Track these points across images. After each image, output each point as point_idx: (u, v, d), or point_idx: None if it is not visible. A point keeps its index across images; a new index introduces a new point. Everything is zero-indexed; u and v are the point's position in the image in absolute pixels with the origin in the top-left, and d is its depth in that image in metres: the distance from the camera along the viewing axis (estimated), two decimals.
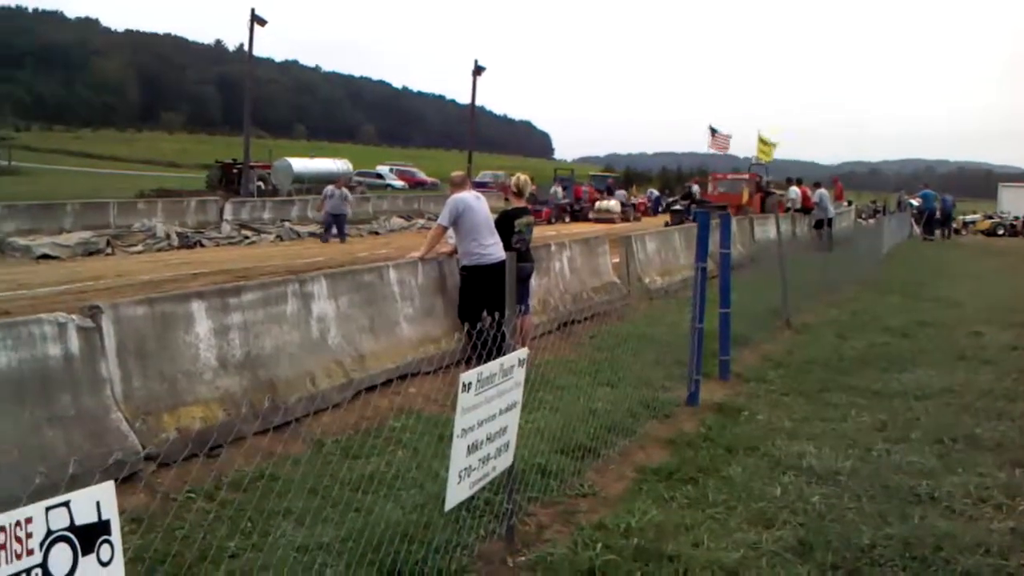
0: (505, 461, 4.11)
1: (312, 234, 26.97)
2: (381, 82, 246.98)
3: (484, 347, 4.48)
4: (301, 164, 43.02)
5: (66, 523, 2.32)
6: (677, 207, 34.12)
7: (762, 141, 30.57)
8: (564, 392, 7.32)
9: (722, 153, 41.71)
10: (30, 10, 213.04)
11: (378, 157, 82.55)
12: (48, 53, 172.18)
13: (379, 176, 57.27)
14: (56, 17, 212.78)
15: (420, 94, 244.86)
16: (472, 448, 3.70)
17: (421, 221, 32.74)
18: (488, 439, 3.83)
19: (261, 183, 39.36)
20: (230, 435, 6.03)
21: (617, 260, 13.84)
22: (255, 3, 33.57)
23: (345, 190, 25.78)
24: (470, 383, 3.58)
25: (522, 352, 4.13)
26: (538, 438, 5.97)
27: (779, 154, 32.70)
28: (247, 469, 5.55)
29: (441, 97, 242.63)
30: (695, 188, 37.31)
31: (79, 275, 16.59)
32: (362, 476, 5.40)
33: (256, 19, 33.46)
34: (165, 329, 5.96)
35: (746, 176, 36.37)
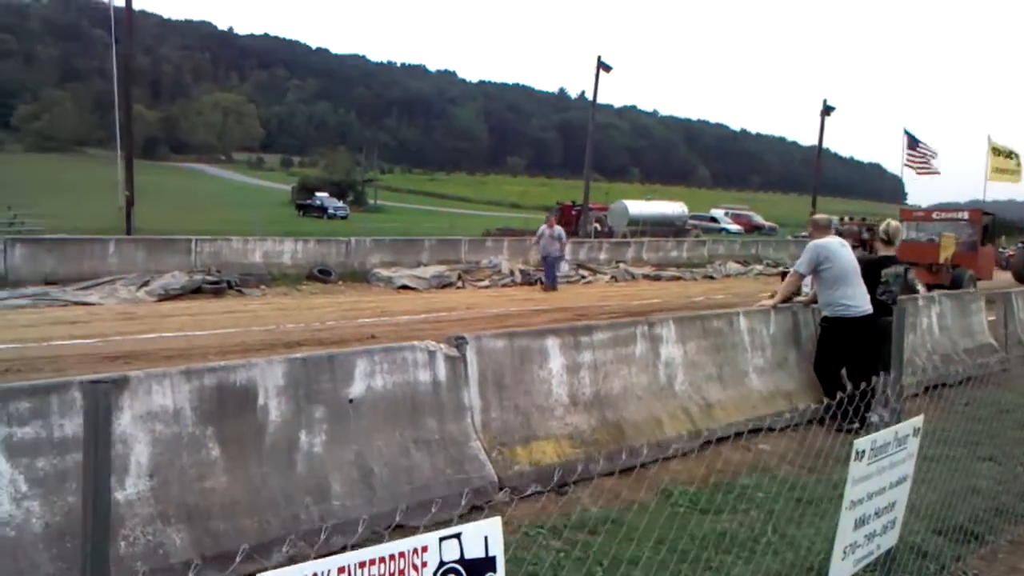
0: (890, 540, 3.67)
1: (645, 276, 27.10)
2: (719, 125, 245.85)
3: (848, 407, 4.05)
4: (637, 207, 43.66)
5: (456, 555, 2.32)
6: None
7: (999, 152, 22.81)
8: (935, 464, 6.53)
9: (922, 174, 31.86)
10: (398, 64, 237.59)
11: (712, 200, 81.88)
12: (411, 103, 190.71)
13: (713, 220, 56.68)
14: (419, 70, 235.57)
15: (759, 136, 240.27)
16: (860, 522, 3.32)
17: (758, 267, 31.80)
18: (876, 514, 3.43)
19: (598, 224, 40.45)
20: (577, 474, 6.05)
21: (993, 318, 12.37)
22: (600, 51, 34.85)
23: (558, 228, 22.63)
24: (863, 451, 3.22)
25: (917, 420, 3.66)
26: (912, 514, 5.33)
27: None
28: (593, 510, 5.50)
29: (782, 139, 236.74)
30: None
31: (433, 306, 17.85)
32: (713, 532, 5.13)
33: (602, 66, 34.61)
34: (522, 363, 6.10)
35: (964, 216, 24.36)
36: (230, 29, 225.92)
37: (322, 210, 64.14)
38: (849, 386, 8.11)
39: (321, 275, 21.70)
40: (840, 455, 6.21)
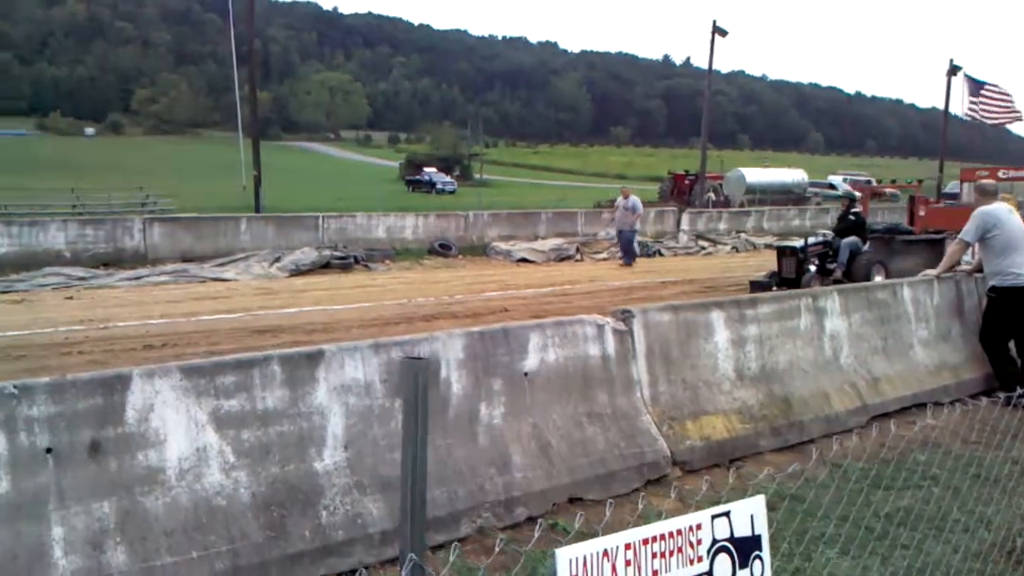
0: None
1: (768, 246, 26.47)
2: (831, 88, 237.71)
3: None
4: (754, 174, 42.61)
5: (727, 533, 2.28)
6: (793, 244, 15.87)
7: None
8: None
9: (998, 121, 28.09)
10: (500, 37, 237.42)
11: (827, 166, 79.37)
12: (513, 76, 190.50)
13: (831, 187, 54.81)
14: (521, 42, 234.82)
15: (875, 99, 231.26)
16: None
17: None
18: None
19: (712, 194, 39.69)
20: (749, 449, 5.94)
21: None
22: (708, 15, 33.85)
23: (633, 199, 21.03)
24: None
25: None
26: None
27: None
28: (767, 486, 5.39)
29: (899, 101, 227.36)
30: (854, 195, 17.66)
31: (555, 279, 17.84)
32: (898, 510, 4.96)
33: (717, 30, 33.75)
34: (688, 336, 6.01)
35: None
36: (335, 9, 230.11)
37: (431, 185, 64.88)
38: (1019, 360, 7.76)
39: (442, 249, 21.96)
40: (1018, 431, 5.94)
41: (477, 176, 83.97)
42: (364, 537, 4.29)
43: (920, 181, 19.97)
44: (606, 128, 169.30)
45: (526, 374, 5.20)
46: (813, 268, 14.95)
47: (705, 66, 36.68)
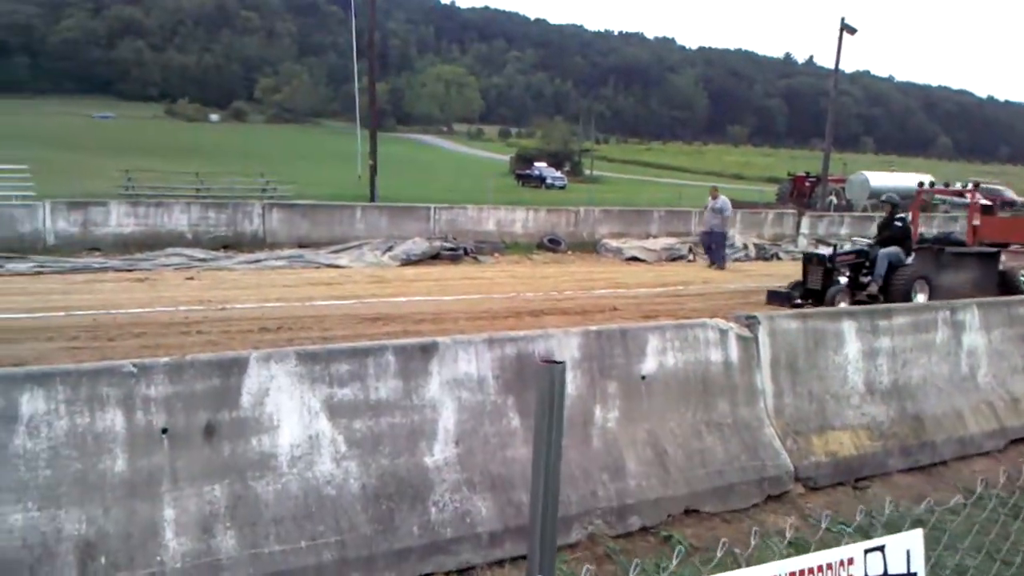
0: None
1: None
2: (962, 91, 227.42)
3: None
4: (878, 178, 40.95)
5: (880, 570, 2.05)
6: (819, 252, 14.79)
7: None
8: None
9: None
10: (616, 33, 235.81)
11: (956, 173, 75.84)
12: (628, 71, 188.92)
13: (960, 194, 52.27)
14: (637, 38, 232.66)
15: (1008, 103, 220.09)
16: None
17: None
18: None
19: (834, 197, 38.35)
20: (876, 468, 5.59)
21: None
22: (836, 13, 32.70)
23: (722, 199, 20.29)
24: None
25: None
26: None
27: None
28: (899, 511, 5.04)
29: None
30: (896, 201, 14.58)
31: (667, 279, 17.48)
32: None
33: (845, 28, 32.50)
34: (816, 346, 5.69)
35: None
36: (452, 3, 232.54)
37: (540, 180, 64.77)
38: None
39: (551, 244, 21.82)
40: None
41: (587, 172, 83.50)
42: (472, 536, 4.18)
43: (977, 185, 16.50)
44: (723, 126, 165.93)
45: (643, 377, 5.00)
46: (844, 280, 13.37)
47: (828, 65, 35.53)
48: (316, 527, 3.87)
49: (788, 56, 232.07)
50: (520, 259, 20.23)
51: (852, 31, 32.73)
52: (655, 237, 23.70)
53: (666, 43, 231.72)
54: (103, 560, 3.47)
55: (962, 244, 15.30)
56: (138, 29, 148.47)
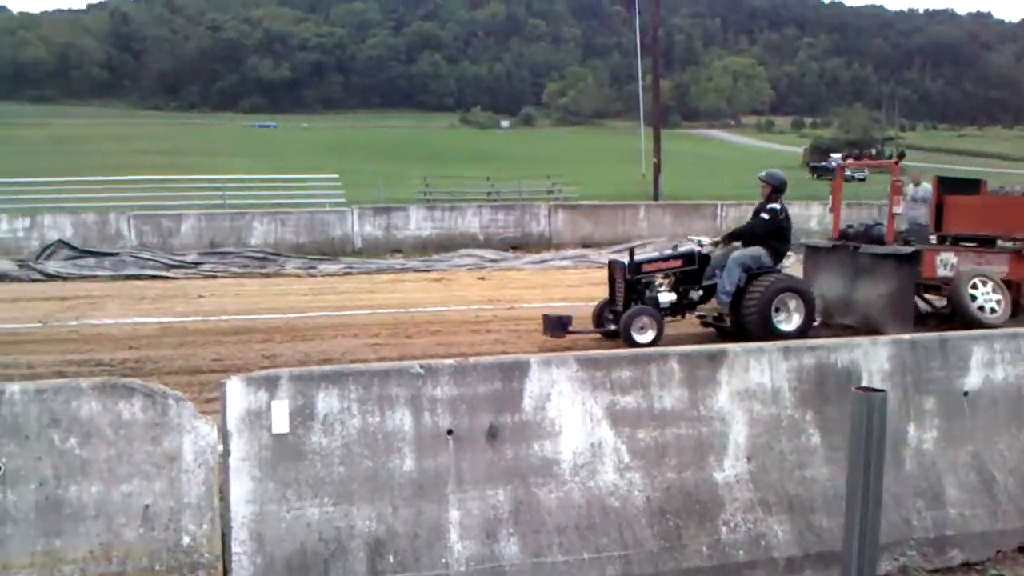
0: None
1: None
2: None
3: None
4: None
5: None
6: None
7: None
8: None
9: None
10: (920, 11, 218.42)
11: None
12: (936, 51, 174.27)
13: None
14: (946, 14, 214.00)
15: None
16: None
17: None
18: None
19: None
20: None
21: None
22: None
23: (925, 187, 13.58)
24: None
25: None
26: None
27: None
28: None
29: None
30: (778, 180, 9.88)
31: None
32: None
33: None
34: None
35: None
36: None
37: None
38: None
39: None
40: None
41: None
42: (767, 561, 3.86)
43: (902, 156, 11.00)
44: None
45: (966, 393, 4.40)
46: (666, 296, 9.32)
47: None
48: (599, 539, 3.73)
49: None
50: None
51: None
52: None
53: (980, 18, 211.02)
54: (391, 559, 3.53)
55: (880, 241, 10.19)
56: (435, 43, 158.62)
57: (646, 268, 9.36)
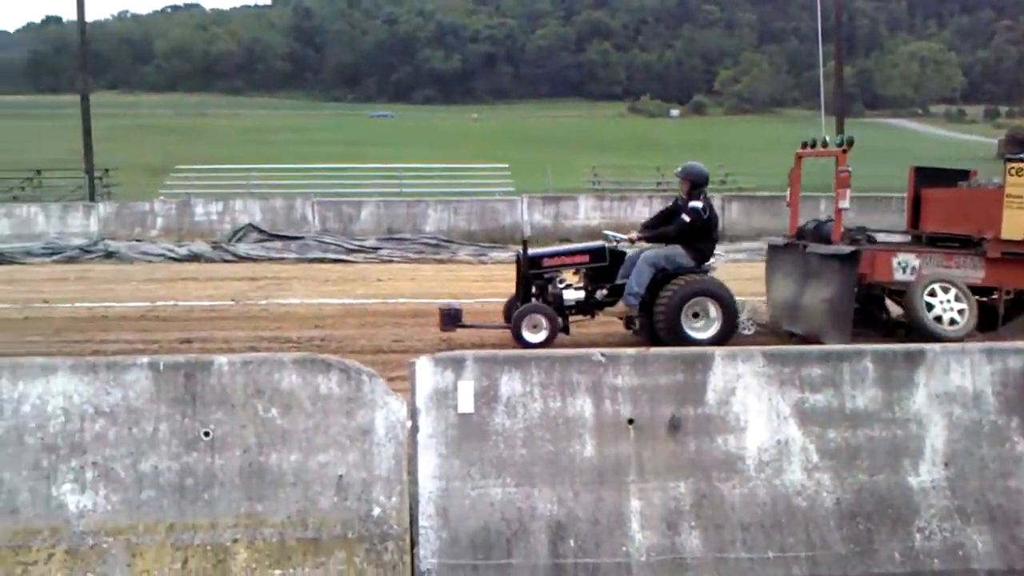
0: None
1: None
2: None
3: None
4: None
5: None
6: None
7: None
8: None
9: None
10: None
11: None
12: None
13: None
14: None
15: None
16: None
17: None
18: None
19: None
20: None
21: None
22: None
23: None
24: None
25: None
26: None
27: None
28: None
29: None
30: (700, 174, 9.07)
31: None
32: None
33: None
34: None
35: None
36: None
37: None
38: None
39: None
40: None
41: None
42: (964, 572, 3.67)
43: (851, 143, 8.50)
44: None
45: None
46: (572, 294, 8.68)
47: None
48: (785, 539, 3.65)
49: None
50: None
51: None
52: None
53: None
54: (572, 543, 3.58)
55: (827, 240, 9.15)
56: (604, 31, 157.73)
57: (546, 263, 8.85)
